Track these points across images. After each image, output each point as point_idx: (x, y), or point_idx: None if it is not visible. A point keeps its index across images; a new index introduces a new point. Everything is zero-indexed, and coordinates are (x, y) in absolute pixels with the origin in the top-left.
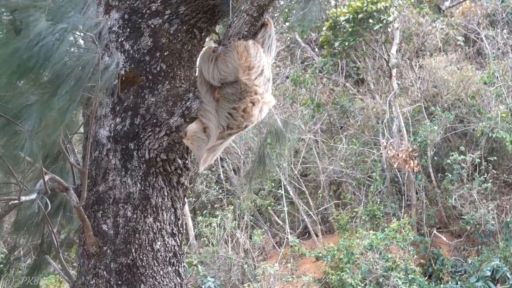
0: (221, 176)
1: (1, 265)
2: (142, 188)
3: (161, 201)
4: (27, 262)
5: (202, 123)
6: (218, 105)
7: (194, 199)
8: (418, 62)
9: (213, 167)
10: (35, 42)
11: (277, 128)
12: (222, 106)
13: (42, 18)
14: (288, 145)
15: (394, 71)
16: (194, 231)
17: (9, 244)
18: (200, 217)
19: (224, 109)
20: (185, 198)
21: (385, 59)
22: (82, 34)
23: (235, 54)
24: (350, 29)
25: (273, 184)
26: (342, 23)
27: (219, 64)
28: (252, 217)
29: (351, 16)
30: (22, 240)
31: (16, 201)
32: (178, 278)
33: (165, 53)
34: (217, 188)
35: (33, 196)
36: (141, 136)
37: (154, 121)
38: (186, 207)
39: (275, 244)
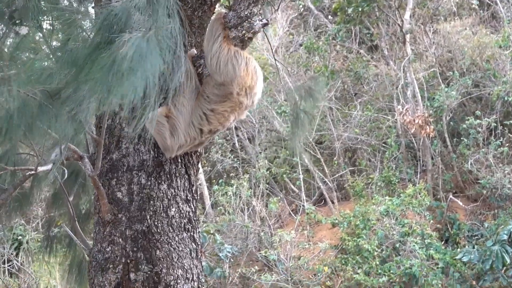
0: (236, 145)
1: (20, 237)
2: (156, 155)
3: (174, 168)
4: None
5: (168, 110)
6: (195, 103)
7: (209, 168)
8: (432, 27)
9: (228, 136)
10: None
11: (306, 86)
12: (198, 105)
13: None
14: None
15: (408, 37)
16: (210, 200)
17: (27, 215)
18: (216, 186)
19: (200, 108)
20: (199, 164)
21: (398, 24)
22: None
23: (242, 66)
24: None
25: (287, 152)
26: None
27: (221, 56)
28: (267, 185)
29: None
30: (41, 212)
31: (33, 172)
32: (193, 243)
33: None
34: (232, 157)
35: (49, 166)
36: None
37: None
38: (202, 177)
39: (291, 212)
